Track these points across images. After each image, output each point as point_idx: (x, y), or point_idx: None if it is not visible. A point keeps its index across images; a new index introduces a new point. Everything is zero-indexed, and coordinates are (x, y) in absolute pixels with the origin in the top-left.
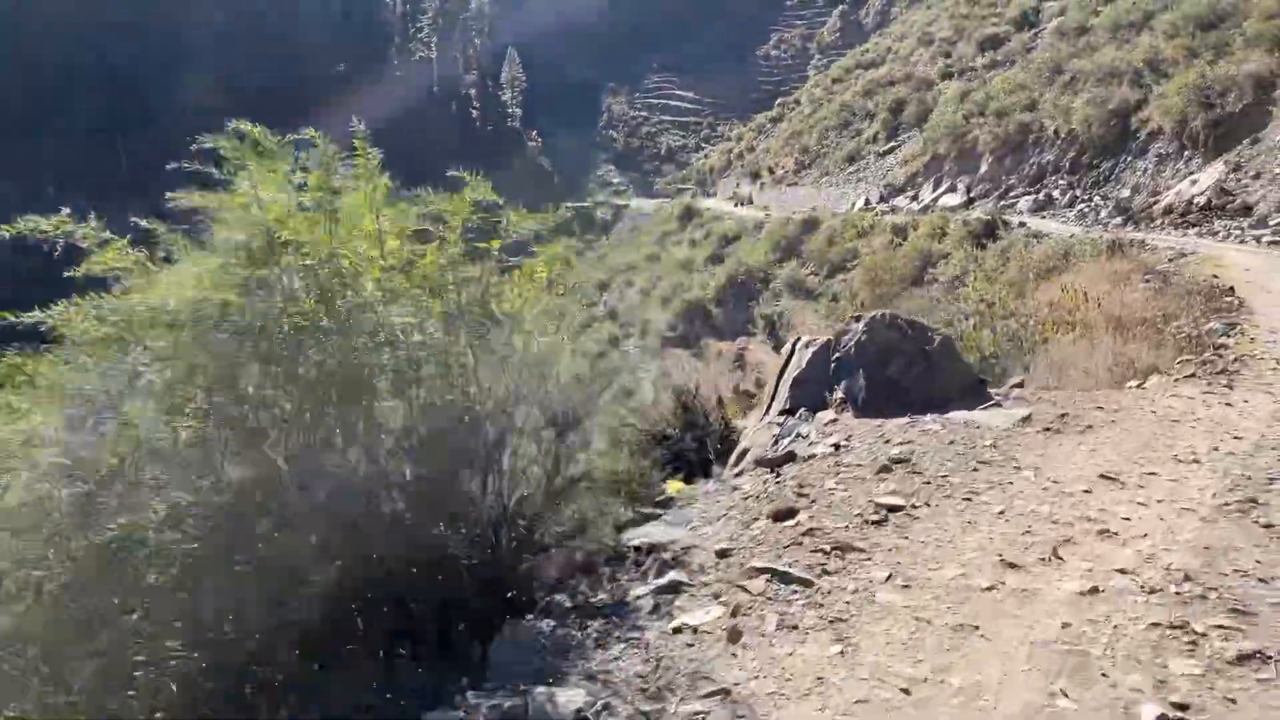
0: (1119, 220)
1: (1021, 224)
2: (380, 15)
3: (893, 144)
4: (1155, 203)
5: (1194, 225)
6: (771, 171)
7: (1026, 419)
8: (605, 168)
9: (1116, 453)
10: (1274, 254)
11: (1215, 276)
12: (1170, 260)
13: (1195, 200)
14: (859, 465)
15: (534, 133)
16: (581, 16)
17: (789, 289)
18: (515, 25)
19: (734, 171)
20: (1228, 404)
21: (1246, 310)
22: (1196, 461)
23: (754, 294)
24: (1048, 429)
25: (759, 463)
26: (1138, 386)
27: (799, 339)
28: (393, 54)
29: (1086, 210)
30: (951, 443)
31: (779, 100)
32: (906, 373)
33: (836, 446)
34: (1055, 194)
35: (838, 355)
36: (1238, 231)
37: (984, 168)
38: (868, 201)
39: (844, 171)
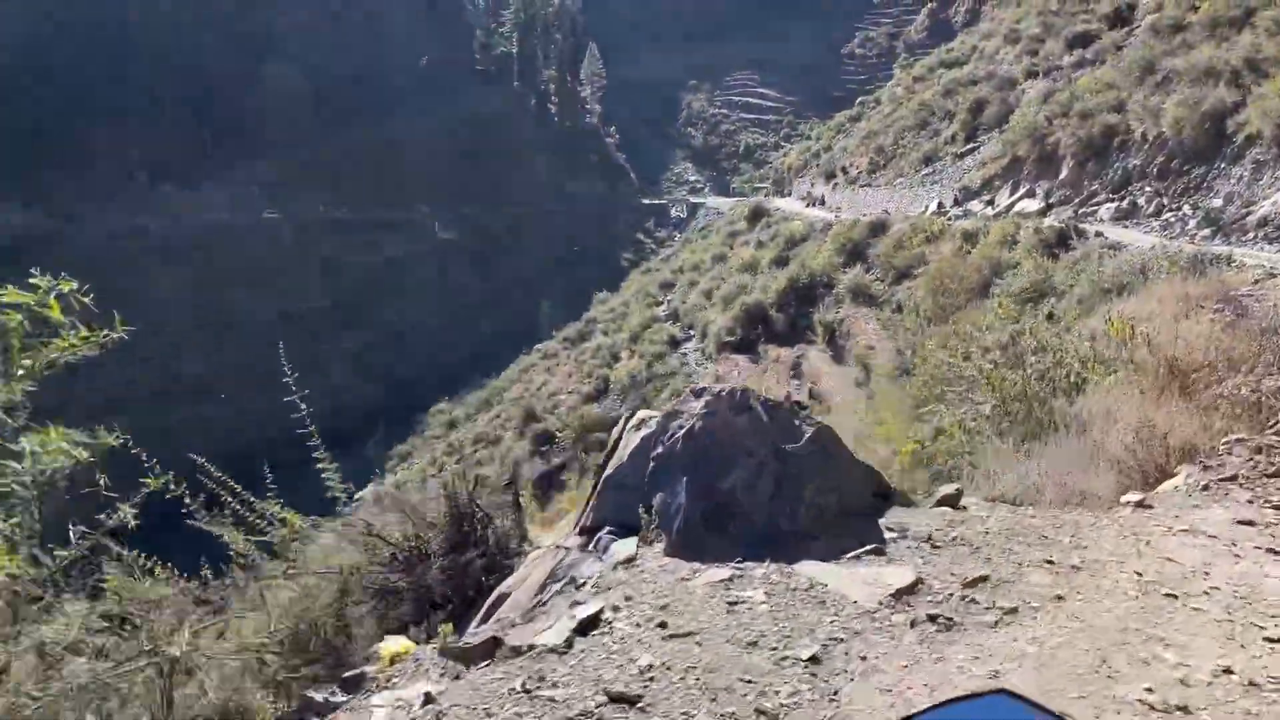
0: (1208, 232)
1: (1099, 234)
2: (464, 7)
3: (971, 146)
4: (1249, 214)
5: None
6: (845, 172)
7: (903, 592)
8: (682, 165)
9: (1034, 683)
10: None
11: None
12: (1256, 281)
13: None
14: (570, 700)
15: (612, 128)
16: (664, 11)
17: (852, 295)
18: (597, 20)
19: (810, 171)
20: (1274, 551)
21: None
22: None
23: (816, 299)
24: (933, 617)
25: (444, 652)
26: (1137, 505)
27: (632, 415)
28: (475, 47)
29: (1173, 220)
30: (752, 644)
31: (860, 99)
32: (752, 487)
33: (582, 629)
34: (1140, 201)
35: (658, 452)
36: None
37: (1065, 172)
38: (941, 205)
39: (919, 173)
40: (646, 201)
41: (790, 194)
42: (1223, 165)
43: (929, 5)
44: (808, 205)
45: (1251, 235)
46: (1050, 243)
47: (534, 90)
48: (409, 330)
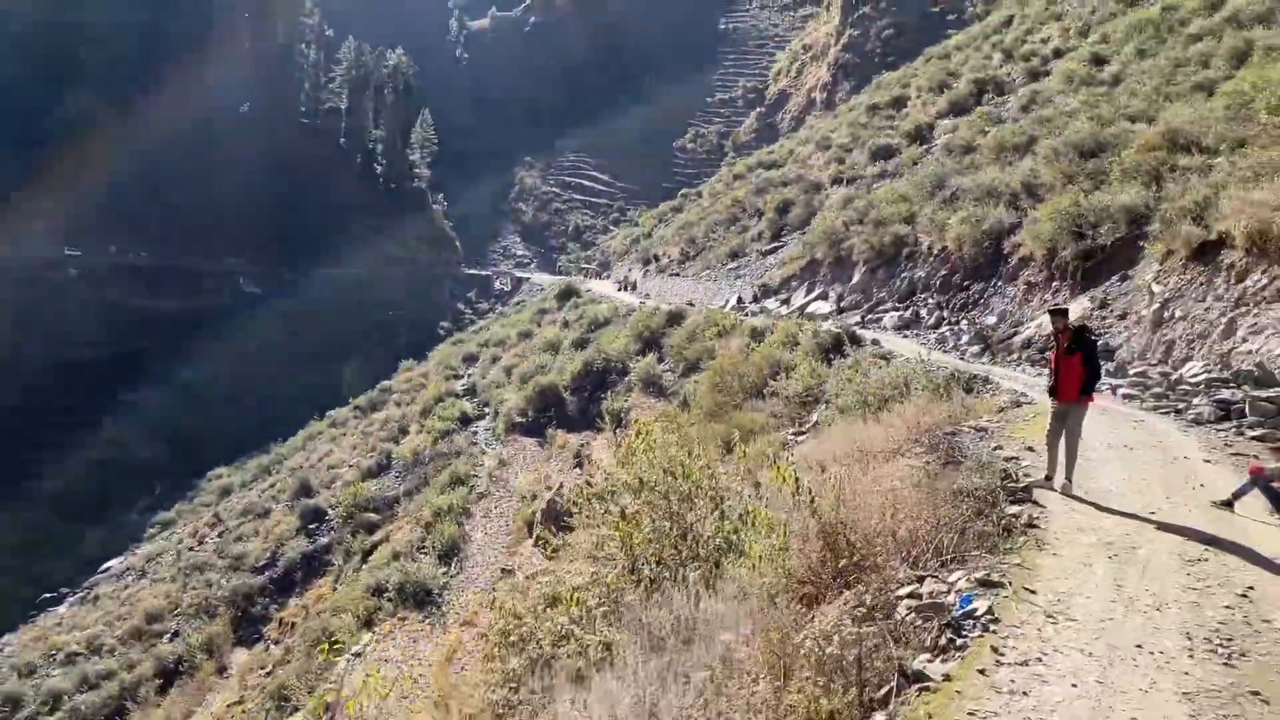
0: (977, 349)
1: (875, 341)
2: (293, 57)
3: (775, 244)
4: (1016, 334)
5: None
6: (658, 259)
7: None
8: (511, 238)
9: None
10: (1124, 412)
11: (1031, 450)
12: (1000, 410)
13: None
14: None
15: (440, 196)
16: (504, 88)
17: (642, 384)
18: (433, 86)
19: (630, 256)
20: None
21: (1033, 542)
22: None
23: (609, 384)
24: None
25: None
26: None
27: None
28: (303, 99)
29: (949, 334)
30: None
31: (682, 191)
32: None
33: None
34: (923, 313)
35: None
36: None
37: (857, 277)
38: (740, 300)
39: (725, 267)
40: (470, 272)
41: (610, 277)
42: (999, 284)
43: (758, 110)
44: (620, 289)
45: (1015, 356)
46: (827, 347)
47: (361, 150)
48: (201, 387)
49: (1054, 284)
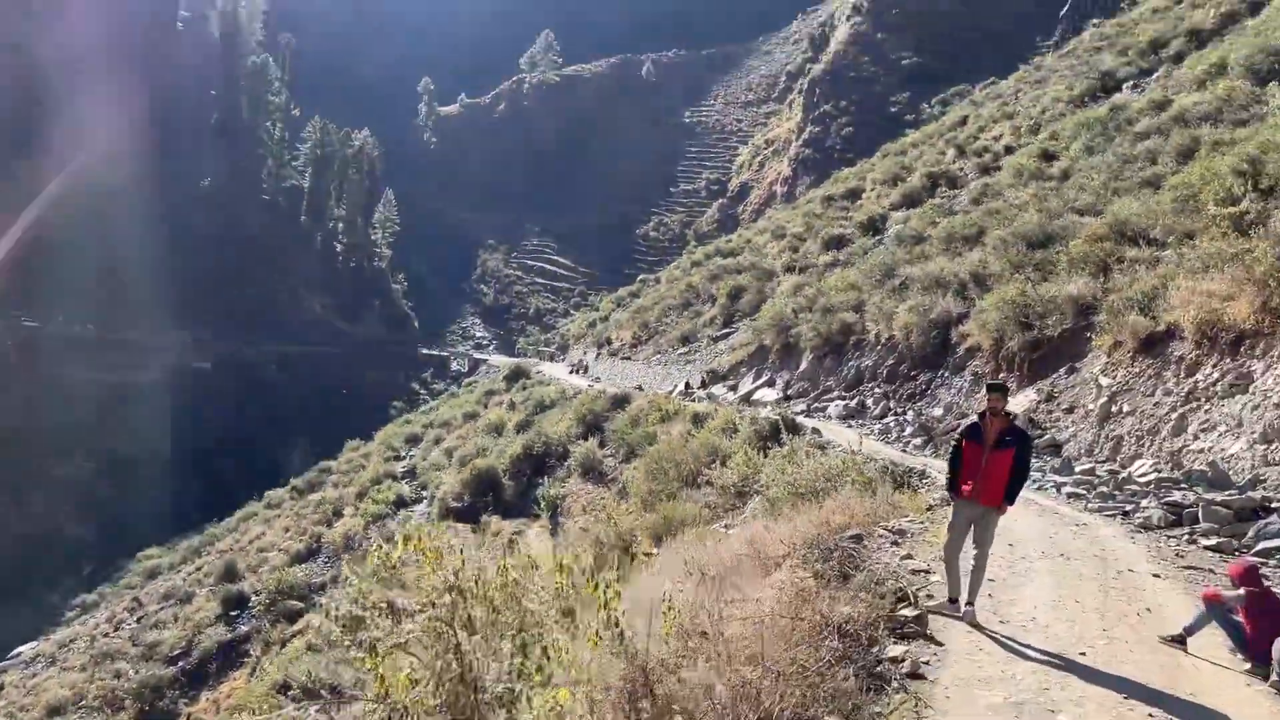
0: (920, 441)
1: (815, 430)
2: (256, 132)
3: (726, 330)
4: (960, 426)
5: None
6: (610, 343)
7: None
8: (471, 320)
9: None
10: (1067, 514)
11: (937, 559)
12: (929, 508)
13: None
14: None
15: (400, 275)
16: (471, 172)
17: (582, 469)
18: (399, 168)
19: (586, 340)
20: None
21: (913, 705)
22: None
23: (549, 469)
24: None
25: None
26: None
27: None
28: (265, 175)
29: (894, 424)
30: None
31: (641, 276)
32: None
33: None
34: (869, 402)
35: None
36: (1039, 474)
37: (804, 365)
38: (688, 385)
39: (676, 351)
40: (427, 352)
41: (564, 360)
42: (946, 374)
43: (720, 201)
44: (572, 372)
45: None
46: (765, 435)
47: (322, 228)
48: (140, 462)
49: (1001, 375)
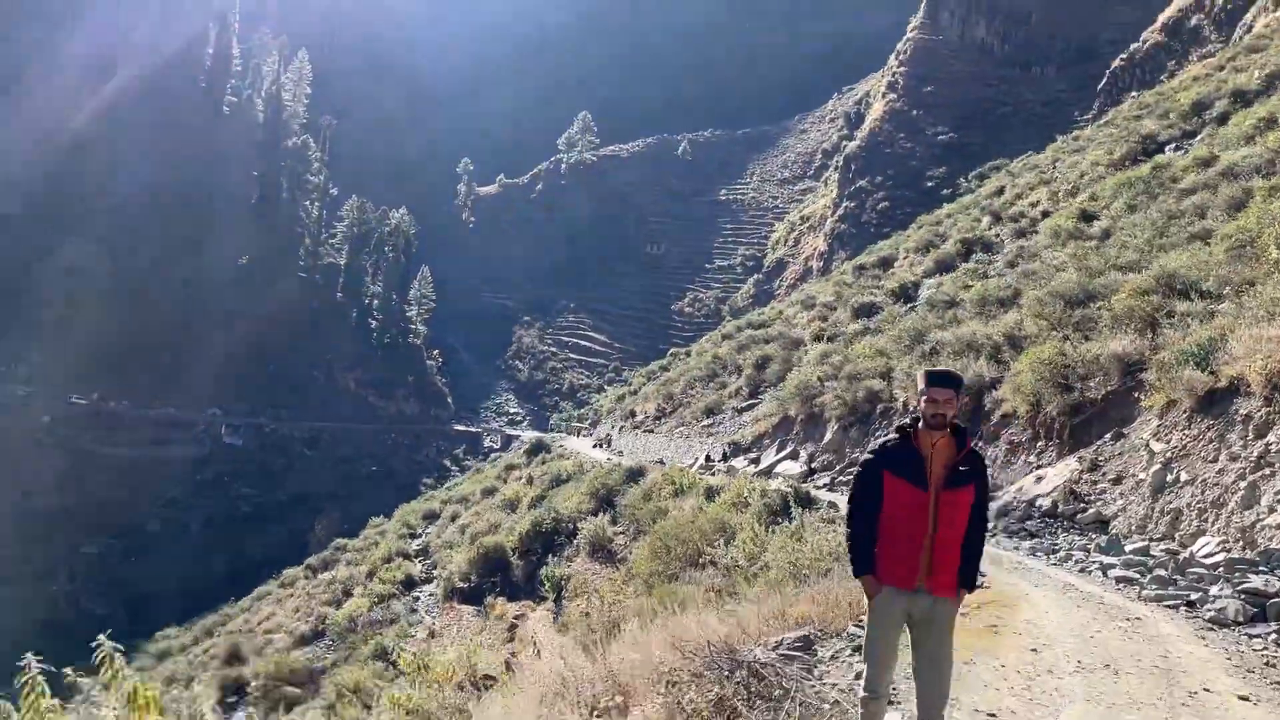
0: None
1: (832, 504)
2: (296, 211)
3: (751, 401)
4: (992, 499)
5: (1033, 535)
6: (634, 416)
7: None
8: (505, 395)
9: None
10: (1114, 604)
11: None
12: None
13: (1039, 502)
14: None
15: (436, 352)
16: (507, 248)
17: (590, 547)
18: (437, 246)
19: (615, 414)
20: None
21: None
22: None
23: (558, 546)
24: None
25: None
26: None
27: None
28: (302, 253)
29: None
30: None
31: (672, 350)
32: None
33: None
34: None
35: None
36: (1082, 553)
37: (829, 435)
38: (709, 458)
39: (700, 424)
40: (460, 428)
41: (590, 435)
42: (978, 443)
43: (755, 276)
44: (595, 446)
45: (992, 526)
46: (775, 509)
47: (357, 304)
48: (166, 540)
49: (1039, 443)
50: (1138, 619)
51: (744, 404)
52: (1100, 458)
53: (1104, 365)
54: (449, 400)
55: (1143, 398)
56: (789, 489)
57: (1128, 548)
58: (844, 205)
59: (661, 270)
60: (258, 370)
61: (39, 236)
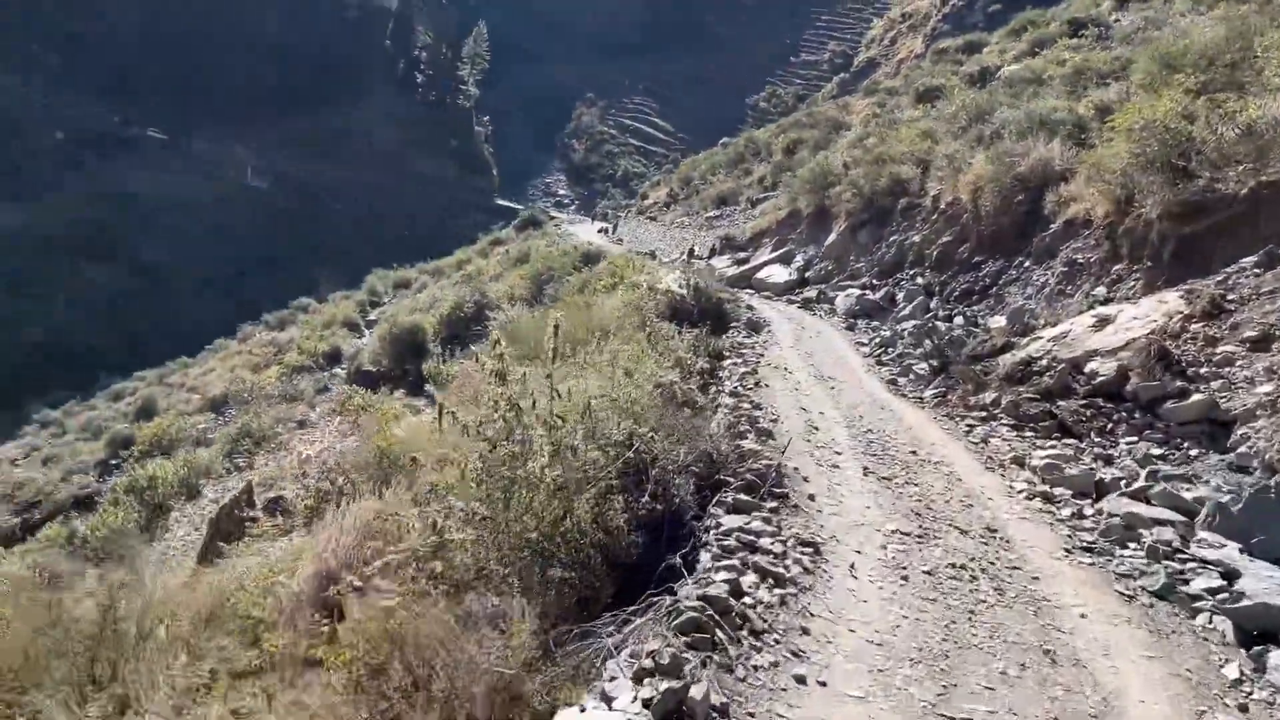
0: (927, 369)
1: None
2: None
3: (769, 194)
4: (1007, 348)
5: (1067, 432)
6: (644, 199)
7: None
8: (556, 176)
9: None
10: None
11: None
12: None
13: (1091, 367)
14: None
15: (485, 119)
16: (578, 17)
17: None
18: (508, 18)
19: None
20: None
21: None
22: None
23: (472, 336)
24: None
25: None
26: None
27: None
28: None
29: (922, 331)
30: None
31: (723, 140)
32: None
33: None
34: (900, 296)
35: None
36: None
37: (833, 237)
38: (691, 252)
39: (705, 214)
40: (502, 203)
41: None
42: (1025, 262)
43: (841, 76)
44: (600, 231)
45: (992, 400)
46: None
47: (405, 55)
48: (174, 276)
49: (1116, 265)
50: None
51: (760, 195)
52: (1230, 295)
53: (1262, 137)
54: (494, 172)
55: None
56: (692, 288)
57: (1253, 468)
58: (950, 3)
59: (742, 61)
60: (293, 113)
61: None
